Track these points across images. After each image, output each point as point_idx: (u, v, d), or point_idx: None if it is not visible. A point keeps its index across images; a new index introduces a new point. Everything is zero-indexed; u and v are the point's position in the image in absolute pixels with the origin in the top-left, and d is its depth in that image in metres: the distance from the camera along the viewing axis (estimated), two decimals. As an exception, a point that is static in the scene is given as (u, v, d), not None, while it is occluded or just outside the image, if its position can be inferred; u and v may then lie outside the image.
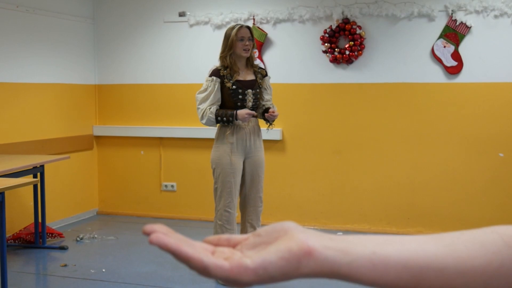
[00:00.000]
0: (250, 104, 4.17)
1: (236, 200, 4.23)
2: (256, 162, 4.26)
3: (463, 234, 0.63)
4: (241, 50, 4.14)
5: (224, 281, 0.57)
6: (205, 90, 4.14)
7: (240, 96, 4.14)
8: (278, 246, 0.57)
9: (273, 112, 4.15)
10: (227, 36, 4.18)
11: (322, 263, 0.57)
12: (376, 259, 0.58)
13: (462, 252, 0.61)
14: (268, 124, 4.30)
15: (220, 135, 4.20)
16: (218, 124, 4.18)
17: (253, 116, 4.12)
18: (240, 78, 4.18)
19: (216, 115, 4.08)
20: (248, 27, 4.22)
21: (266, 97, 4.32)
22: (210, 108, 4.10)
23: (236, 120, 4.07)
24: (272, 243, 0.58)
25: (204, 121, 4.15)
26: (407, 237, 0.62)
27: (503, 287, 0.61)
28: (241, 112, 4.06)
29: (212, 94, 4.11)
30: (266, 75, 4.36)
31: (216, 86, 4.12)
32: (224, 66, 4.17)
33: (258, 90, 4.23)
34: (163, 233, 0.57)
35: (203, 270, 0.56)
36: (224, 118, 4.07)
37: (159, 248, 0.56)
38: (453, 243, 0.62)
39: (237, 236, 0.62)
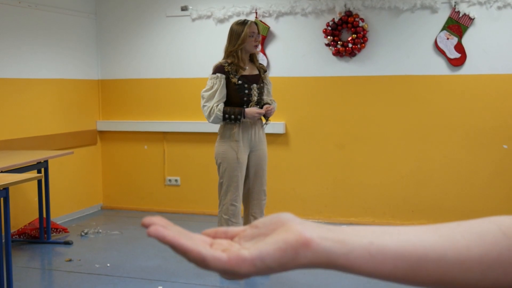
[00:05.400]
0: (255, 98, 4.17)
1: (241, 194, 4.24)
2: (260, 156, 4.26)
3: (460, 224, 0.63)
4: (252, 46, 4.14)
5: (223, 273, 0.57)
6: (211, 88, 4.11)
7: (246, 91, 4.13)
8: (276, 237, 0.57)
9: (270, 108, 4.19)
10: (237, 32, 4.12)
11: (319, 254, 0.57)
12: (374, 249, 0.58)
13: (459, 242, 0.61)
14: (266, 119, 4.31)
15: (225, 130, 4.17)
16: None
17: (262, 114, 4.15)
18: (245, 73, 4.17)
19: (224, 113, 4.06)
20: (255, 23, 4.23)
21: (266, 91, 4.35)
22: (217, 105, 4.09)
23: (244, 118, 4.07)
24: (270, 234, 0.58)
25: (211, 119, 4.12)
26: (405, 227, 0.62)
27: (500, 277, 0.61)
28: (251, 111, 4.05)
29: (218, 91, 4.09)
30: (266, 70, 4.39)
31: (222, 82, 4.10)
32: (229, 62, 4.15)
33: (262, 84, 4.24)
34: (161, 225, 0.57)
35: (201, 262, 0.56)
36: (232, 116, 4.05)
37: (157, 240, 0.56)
38: (450, 233, 0.61)
39: (234, 228, 0.62)
